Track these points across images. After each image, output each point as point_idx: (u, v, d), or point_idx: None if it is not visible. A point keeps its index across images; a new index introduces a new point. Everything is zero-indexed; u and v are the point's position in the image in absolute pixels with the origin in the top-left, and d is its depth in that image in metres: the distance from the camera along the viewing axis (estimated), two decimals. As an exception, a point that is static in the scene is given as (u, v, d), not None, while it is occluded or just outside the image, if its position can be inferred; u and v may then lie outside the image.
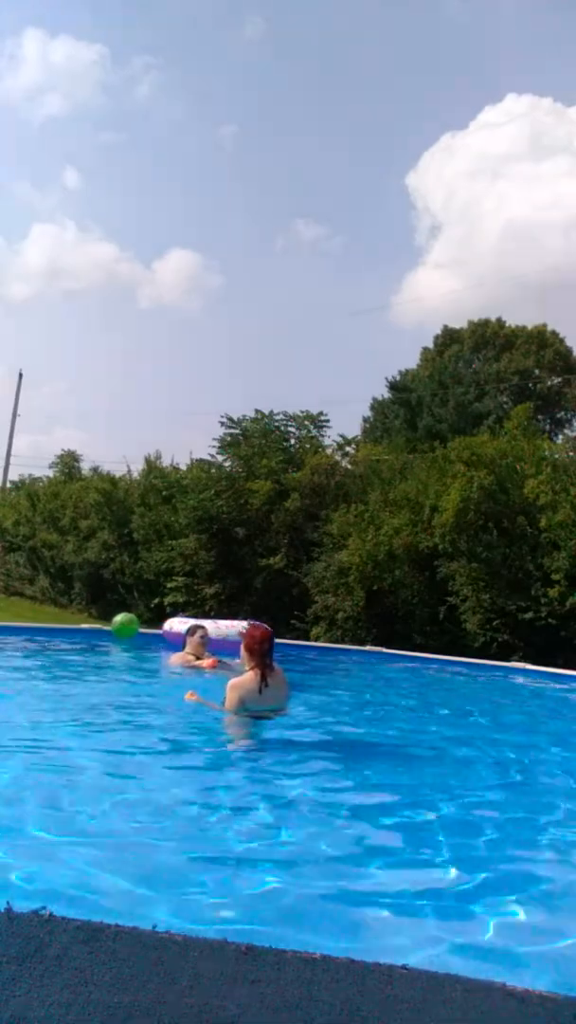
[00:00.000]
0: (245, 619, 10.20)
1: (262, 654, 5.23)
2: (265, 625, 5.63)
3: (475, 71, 60.58)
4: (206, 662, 7.64)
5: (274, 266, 60.65)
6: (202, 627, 8.11)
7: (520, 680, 9.00)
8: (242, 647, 5.41)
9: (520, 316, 43.84)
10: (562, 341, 33.80)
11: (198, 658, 7.70)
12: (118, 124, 64.65)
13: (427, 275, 54.32)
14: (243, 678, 5.22)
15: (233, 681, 5.25)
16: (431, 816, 3.80)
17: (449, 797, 4.13)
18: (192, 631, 7.97)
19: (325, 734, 5.46)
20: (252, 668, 5.21)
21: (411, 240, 58.31)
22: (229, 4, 63.07)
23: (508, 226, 50.88)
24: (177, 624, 9.61)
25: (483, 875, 3.11)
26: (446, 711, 7.19)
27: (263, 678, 5.13)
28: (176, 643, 8.75)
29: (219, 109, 65.21)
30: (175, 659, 7.89)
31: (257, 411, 17.24)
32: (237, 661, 8.29)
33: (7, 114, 61.49)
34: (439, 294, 49.15)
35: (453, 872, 3.15)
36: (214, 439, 17.13)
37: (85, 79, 60.02)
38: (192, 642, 7.82)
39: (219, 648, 8.83)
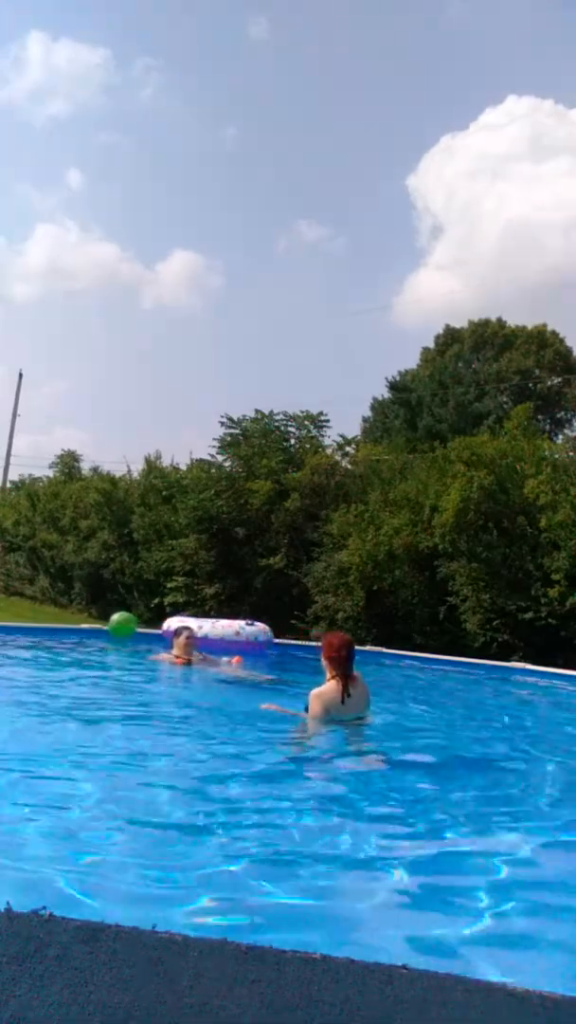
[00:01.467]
0: (245, 619, 10.24)
1: (340, 662, 5.16)
2: (343, 632, 5.55)
3: (476, 73, 60.58)
4: (175, 657, 7.90)
5: (276, 267, 60.72)
6: (188, 628, 8.31)
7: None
8: (322, 656, 5.32)
9: (521, 316, 43.85)
10: (562, 341, 33.83)
11: (179, 657, 7.92)
12: (121, 126, 64.67)
13: (429, 276, 54.41)
14: (326, 687, 5.16)
15: (316, 690, 5.20)
16: (443, 818, 3.81)
17: (460, 800, 4.14)
18: (177, 632, 8.17)
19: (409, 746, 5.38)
20: (333, 677, 5.15)
21: (413, 241, 58.39)
22: (231, 6, 63.03)
23: (509, 227, 50.92)
24: (176, 623, 9.69)
25: (487, 874, 3.11)
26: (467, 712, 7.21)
27: (345, 687, 5.08)
28: None
29: (221, 111, 65.24)
30: (159, 657, 8.17)
31: (257, 411, 17.27)
32: (225, 660, 8.40)
33: (11, 116, 61.53)
34: (440, 295, 49.19)
35: (460, 870, 3.15)
36: (214, 439, 17.17)
37: (88, 81, 60.09)
38: (178, 643, 8.00)
39: (216, 648, 8.94)
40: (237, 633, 9.43)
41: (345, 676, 5.12)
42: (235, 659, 8.40)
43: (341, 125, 63.93)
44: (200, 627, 9.45)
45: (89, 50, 62.50)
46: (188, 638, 8.00)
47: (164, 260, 70.47)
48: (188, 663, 7.90)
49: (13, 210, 62.79)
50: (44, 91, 62.60)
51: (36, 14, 64.38)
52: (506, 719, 6.77)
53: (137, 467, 21.39)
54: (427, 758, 5.01)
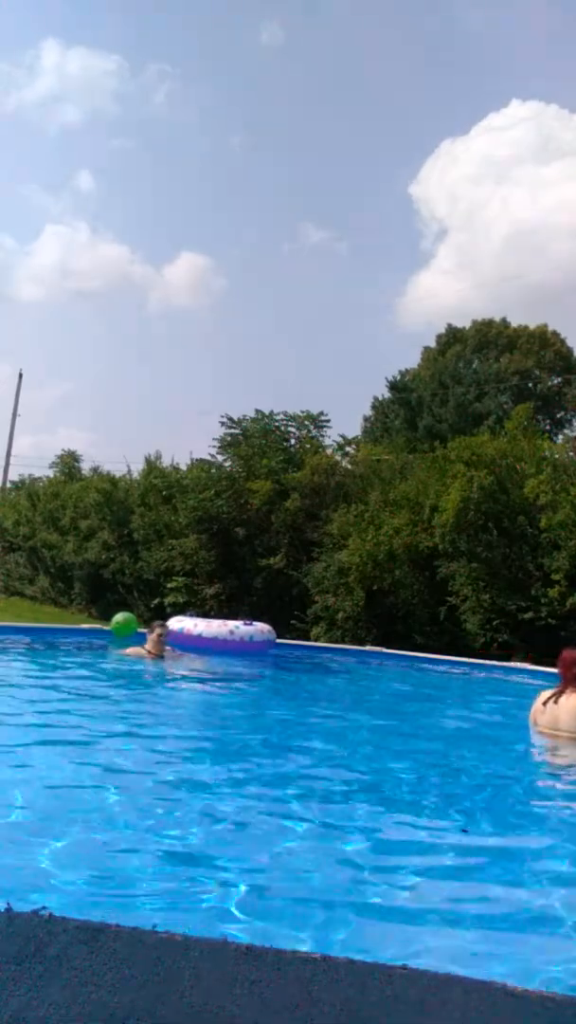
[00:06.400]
0: (244, 619, 10.24)
1: (563, 675, 5.36)
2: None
3: (480, 78, 60.45)
4: (147, 652, 8.33)
5: (280, 269, 60.62)
6: (162, 624, 8.71)
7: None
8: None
9: (523, 317, 43.80)
10: (563, 341, 33.79)
11: (149, 651, 8.34)
12: (132, 131, 64.47)
13: (432, 279, 54.35)
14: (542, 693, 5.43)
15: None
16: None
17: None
18: (151, 628, 8.58)
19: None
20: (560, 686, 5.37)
21: (417, 244, 58.35)
22: (233, 10, 62.91)
23: (513, 230, 50.88)
24: (175, 623, 9.76)
25: (488, 874, 3.11)
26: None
27: (554, 695, 5.26)
28: (181, 642, 9.07)
29: (229, 116, 64.96)
30: (130, 651, 8.51)
31: (257, 411, 17.27)
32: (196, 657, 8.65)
33: (24, 121, 61.33)
34: (444, 296, 49.16)
35: (462, 872, 3.15)
36: (214, 439, 17.17)
37: (101, 88, 59.95)
38: (151, 638, 8.40)
39: (211, 647, 9.11)
40: (231, 632, 9.44)
41: (566, 687, 5.28)
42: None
43: (346, 129, 63.80)
44: (196, 625, 9.56)
45: (102, 56, 62.25)
46: (160, 634, 8.38)
47: (171, 262, 70.32)
48: (159, 657, 8.27)
49: (23, 212, 62.77)
50: (57, 96, 62.44)
51: (50, 21, 64.10)
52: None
53: (137, 467, 21.37)
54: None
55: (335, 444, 16.98)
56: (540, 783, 4.76)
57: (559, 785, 4.67)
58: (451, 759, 5.21)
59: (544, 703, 5.23)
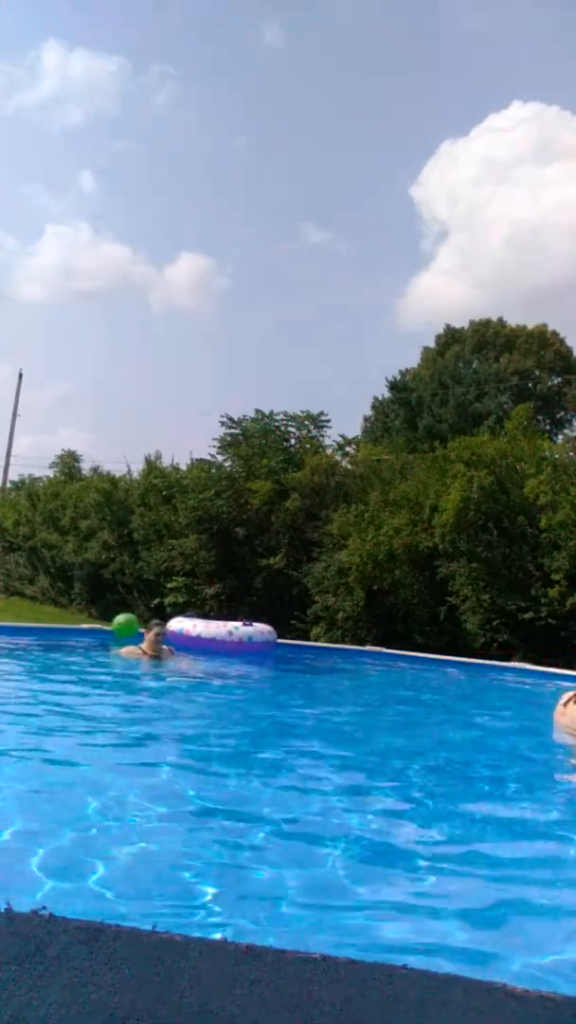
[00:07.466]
0: (243, 619, 10.24)
1: None
2: None
3: (481, 79, 60.36)
4: (142, 652, 8.42)
5: (281, 270, 60.62)
6: (159, 624, 8.79)
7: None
8: None
9: (524, 318, 43.78)
10: (562, 341, 33.79)
11: (145, 651, 8.41)
12: (133, 132, 64.40)
13: (432, 279, 54.35)
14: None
15: None
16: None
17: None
18: (149, 628, 8.66)
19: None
20: None
21: (417, 245, 58.36)
22: (234, 10, 62.84)
23: (513, 231, 50.86)
24: (175, 624, 9.78)
25: (486, 874, 3.11)
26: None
27: (573, 696, 5.17)
28: (180, 643, 9.11)
29: (231, 117, 64.92)
30: (125, 651, 8.60)
31: (257, 411, 17.26)
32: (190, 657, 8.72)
33: (26, 122, 61.31)
34: (444, 297, 49.17)
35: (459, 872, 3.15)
36: (214, 439, 17.17)
37: (102, 89, 59.96)
38: (148, 638, 8.47)
39: (211, 648, 9.16)
40: (230, 633, 9.45)
41: None
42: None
43: (347, 130, 63.74)
44: (195, 626, 9.59)
45: (104, 57, 62.19)
46: (157, 634, 8.45)
47: (172, 263, 70.26)
48: (156, 657, 8.34)
49: (25, 212, 62.80)
50: (59, 97, 62.44)
51: (51, 23, 63.97)
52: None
53: (137, 467, 21.36)
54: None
55: (335, 444, 17.00)
56: (545, 783, 4.75)
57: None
58: (455, 760, 5.20)
59: (564, 704, 5.19)
